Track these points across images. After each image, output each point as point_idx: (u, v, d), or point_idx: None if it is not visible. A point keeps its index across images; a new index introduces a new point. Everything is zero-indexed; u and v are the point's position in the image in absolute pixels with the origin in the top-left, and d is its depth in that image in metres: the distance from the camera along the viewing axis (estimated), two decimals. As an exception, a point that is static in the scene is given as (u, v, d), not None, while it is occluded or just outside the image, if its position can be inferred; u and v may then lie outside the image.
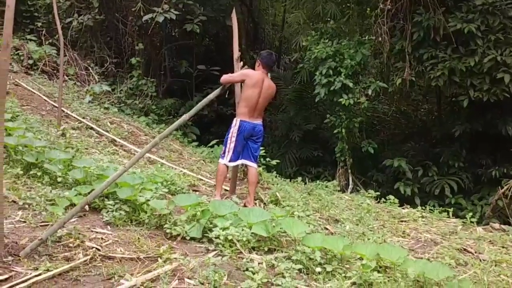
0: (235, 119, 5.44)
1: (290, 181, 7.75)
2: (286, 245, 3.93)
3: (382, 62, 9.48)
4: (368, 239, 4.62)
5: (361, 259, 3.69)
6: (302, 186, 7.25)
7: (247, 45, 13.68)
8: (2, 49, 3.05)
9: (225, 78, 5.43)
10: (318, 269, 3.43)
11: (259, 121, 5.51)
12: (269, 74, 5.60)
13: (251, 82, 5.33)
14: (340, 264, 3.61)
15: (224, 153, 5.41)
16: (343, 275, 3.42)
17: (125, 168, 3.84)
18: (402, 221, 5.89)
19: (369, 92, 9.14)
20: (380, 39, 8.76)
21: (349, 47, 9.22)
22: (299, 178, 7.76)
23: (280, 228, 3.96)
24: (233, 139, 5.36)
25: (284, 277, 3.22)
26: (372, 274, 3.35)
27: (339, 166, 9.74)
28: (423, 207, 6.64)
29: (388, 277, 3.44)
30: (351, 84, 8.98)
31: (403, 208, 6.64)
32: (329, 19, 10.57)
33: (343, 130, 9.28)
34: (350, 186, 9.38)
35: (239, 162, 5.49)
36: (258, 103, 5.40)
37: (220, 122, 11.87)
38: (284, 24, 15.55)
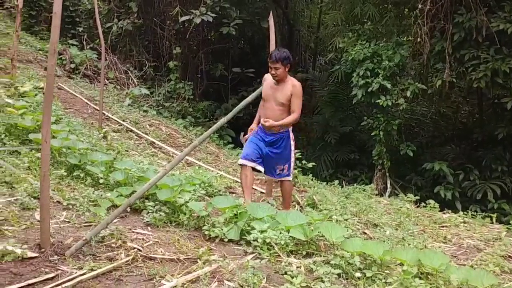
0: (290, 132, 5.12)
1: (327, 184, 7.70)
2: (324, 249, 3.90)
3: (421, 63, 9.29)
4: (408, 244, 4.54)
5: (401, 265, 3.62)
6: (339, 190, 7.19)
7: (282, 47, 13.67)
8: (49, 54, 3.16)
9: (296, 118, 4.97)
10: (358, 274, 3.39)
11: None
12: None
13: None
14: (380, 270, 3.55)
15: (289, 169, 5.11)
16: (384, 281, 3.36)
17: (166, 170, 3.91)
18: (443, 226, 5.76)
19: (408, 93, 8.98)
20: (419, 40, 8.60)
21: (387, 48, 9.11)
22: (336, 181, 7.69)
23: (318, 232, 3.94)
24: (294, 151, 5.20)
25: (323, 281, 3.19)
26: (413, 280, 3.28)
27: (376, 169, 9.61)
28: (465, 212, 6.46)
29: (430, 284, 3.36)
30: (389, 86, 8.87)
31: (444, 213, 6.48)
32: (366, 20, 10.46)
33: (381, 133, 9.16)
34: (388, 190, 9.24)
35: None
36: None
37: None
38: (319, 26, 15.47)
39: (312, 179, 7.44)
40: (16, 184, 4.43)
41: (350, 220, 5.07)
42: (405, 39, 9.52)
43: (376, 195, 7.68)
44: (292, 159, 5.10)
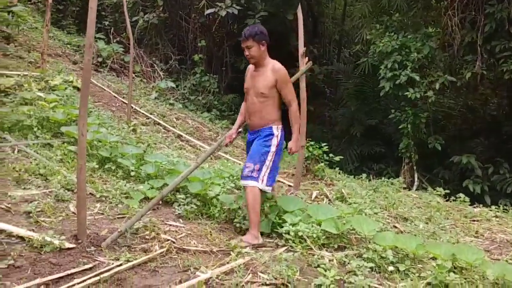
0: (275, 126, 4.01)
1: (354, 177, 7.64)
2: (356, 243, 3.89)
3: (451, 55, 9.12)
4: (440, 238, 4.48)
5: (434, 259, 3.58)
6: (366, 183, 7.13)
7: (306, 39, 13.58)
8: (85, 49, 3.20)
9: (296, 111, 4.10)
10: (391, 268, 3.37)
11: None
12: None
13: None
14: (413, 264, 3.53)
15: (258, 171, 3.84)
16: (417, 275, 3.34)
17: (198, 163, 3.95)
18: (474, 220, 5.66)
19: (436, 86, 8.83)
20: (449, 31, 8.44)
21: (416, 40, 8.96)
22: (364, 175, 7.63)
23: (350, 226, 3.92)
24: (275, 154, 3.96)
25: (356, 274, 3.19)
26: (448, 275, 3.24)
27: (404, 162, 9.50)
28: (496, 207, 6.33)
29: (465, 279, 3.32)
30: (417, 78, 8.74)
31: (475, 207, 6.37)
32: (393, 11, 10.32)
33: (409, 126, 9.04)
34: (416, 183, 9.13)
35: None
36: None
37: (282, 118, 11.84)
38: (344, 18, 15.31)
39: (339, 173, 7.39)
40: (50, 176, 4.52)
41: (380, 213, 5.02)
42: (433, 30, 9.34)
43: (404, 188, 7.58)
44: (268, 163, 3.89)
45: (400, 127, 9.26)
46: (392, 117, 9.46)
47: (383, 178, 7.50)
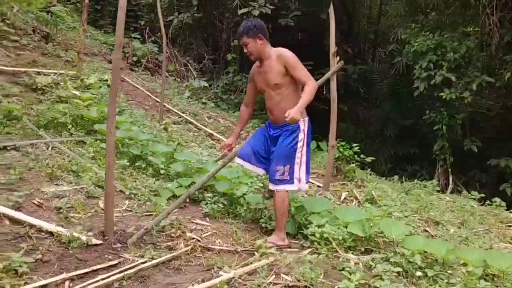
0: (303, 123, 3.79)
1: (386, 179, 7.51)
2: (384, 247, 3.81)
3: (489, 55, 8.83)
4: (473, 244, 4.35)
5: (465, 265, 3.48)
6: (398, 185, 7.00)
7: (340, 39, 13.46)
8: (115, 48, 3.25)
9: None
10: (419, 273, 3.29)
11: None
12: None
13: None
14: (442, 270, 3.43)
15: (291, 172, 3.67)
16: (446, 281, 3.24)
17: (224, 162, 3.96)
18: (510, 226, 5.47)
19: (473, 86, 8.57)
20: (487, 30, 8.17)
21: (452, 39, 8.72)
22: (396, 177, 7.49)
23: (378, 228, 3.85)
24: (303, 148, 3.78)
25: (382, 279, 3.12)
26: (478, 282, 3.14)
27: (438, 164, 9.28)
28: (535, 212, 6.10)
29: (496, 286, 3.21)
30: (453, 78, 8.51)
31: (511, 212, 6.15)
32: (429, 10, 10.08)
33: (444, 127, 8.82)
34: (450, 186, 8.90)
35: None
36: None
37: (313, 117, 11.73)
38: (380, 17, 15.07)
39: (370, 174, 7.28)
40: (81, 173, 4.61)
41: (410, 217, 4.92)
42: (471, 29, 9.08)
43: (438, 191, 7.40)
44: (298, 160, 3.72)
45: (435, 128, 9.04)
46: (426, 117, 9.25)
47: (415, 180, 7.34)
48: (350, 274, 3.12)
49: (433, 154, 9.39)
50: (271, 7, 10.50)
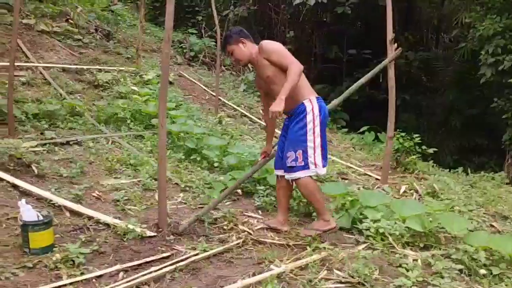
0: (305, 100, 3.55)
1: (449, 171, 7.16)
2: (445, 242, 3.61)
3: None
4: (545, 241, 4.02)
5: (535, 263, 3.22)
6: (463, 178, 6.65)
7: (400, 25, 12.99)
8: (164, 42, 3.27)
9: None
10: (483, 271, 3.08)
11: None
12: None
13: None
14: (509, 268, 3.19)
15: (304, 157, 3.46)
16: (513, 280, 3.02)
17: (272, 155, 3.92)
18: None
19: (547, 72, 7.97)
20: None
21: (522, 21, 8.15)
22: (460, 169, 7.11)
23: (438, 223, 3.65)
24: (315, 129, 3.53)
25: (442, 277, 2.95)
26: (549, 281, 2.90)
27: (508, 155, 8.72)
28: None
29: None
30: (524, 63, 7.94)
31: None
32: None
33: (514, 115, 8.27)
34: (520, 179, 8.34)
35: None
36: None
37: (372, 107, 11.45)
38: (444, 1, 14.36)
39: (432, 166, 6.95)
40: (139, 166, 4.74)
41: (475, 211, 4.64)
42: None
43: (507, 184, 6.95)
44: (311, 143, 3.47)
45: (503, 117, 8.50)
46: (494, 106, 8.71)
47: (482, 172, 6.94)
48: (408, 271, 2.97)
49: (502, 144, 8.84)
50: (328, -4, 10.29)
